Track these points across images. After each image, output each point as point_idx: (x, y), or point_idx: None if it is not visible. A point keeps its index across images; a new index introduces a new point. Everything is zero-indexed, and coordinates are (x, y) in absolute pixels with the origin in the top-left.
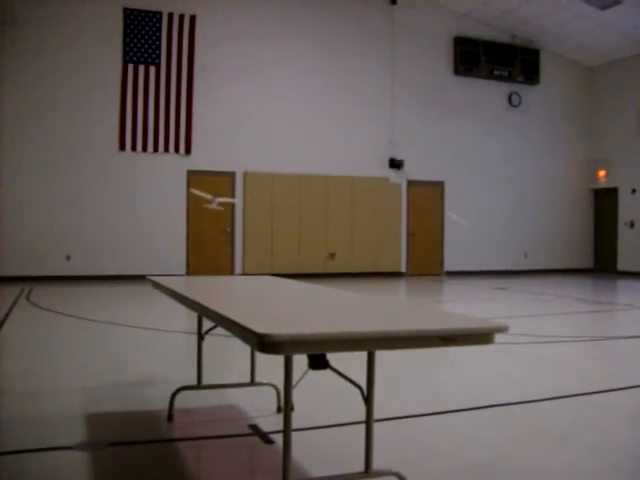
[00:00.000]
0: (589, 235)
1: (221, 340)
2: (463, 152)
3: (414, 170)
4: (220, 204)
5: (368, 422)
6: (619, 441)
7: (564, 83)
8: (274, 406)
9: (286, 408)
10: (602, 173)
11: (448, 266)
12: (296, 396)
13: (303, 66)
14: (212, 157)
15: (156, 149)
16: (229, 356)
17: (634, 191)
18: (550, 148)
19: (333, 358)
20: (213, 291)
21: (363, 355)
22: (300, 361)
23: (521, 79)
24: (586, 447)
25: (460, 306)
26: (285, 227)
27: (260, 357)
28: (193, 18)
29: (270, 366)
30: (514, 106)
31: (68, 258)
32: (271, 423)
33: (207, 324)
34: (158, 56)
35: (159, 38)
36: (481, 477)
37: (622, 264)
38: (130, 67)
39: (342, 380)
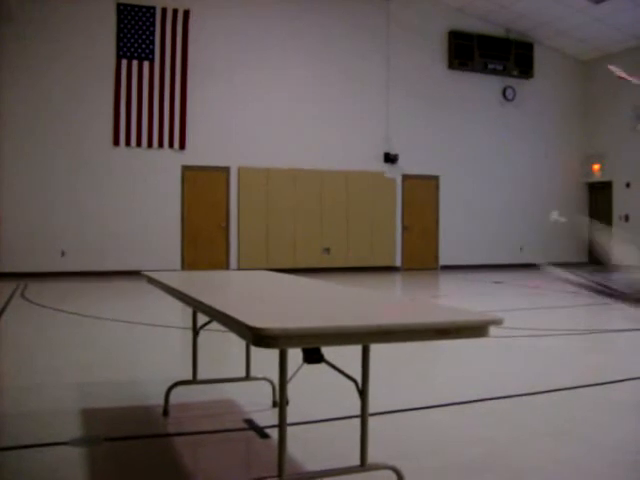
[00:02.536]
0: (584, 229)
1: (216, 335)
2: (458, 146)
3: (409, 164)
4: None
5: (363, 416)
6: (617, 435)
7: (559, 77)
8: (269, 400)
9: (281, 402)
10: (596, 167)
11: (443, 260)
12: (291, 390)
13: (298, 61)
14: (206, 152)
15: (150, 144)
16: (224, 351)
17: (628, 185)
18: (545, 142)
19: (328, 352)
20: (208, 286)
21: (358, 349)
22: (296, 355)
23: (516, 73)
24: (584, 442)
25: (456, 300)
26: (280, 222)
27: (255, 351)
28: (187, 13)
29: (265, 360)
30: (509, 100)
31: (63, 254)
32: (266, 417)
33: (202, 319)
34: (152, 51)
35: (153, 33)
36: (477, 472)
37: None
38: (124, 62)
39: (337, 374)
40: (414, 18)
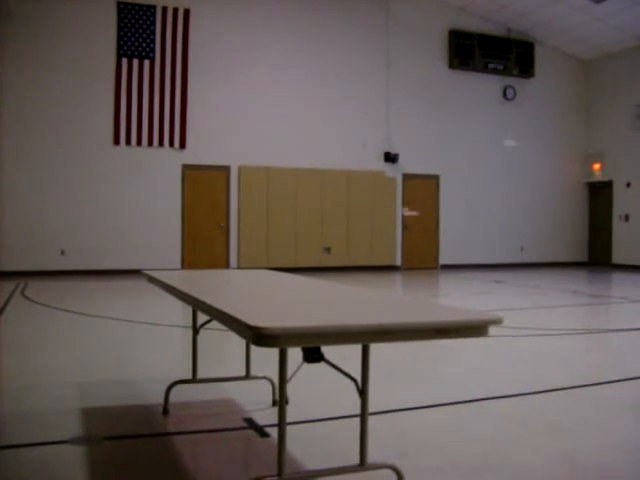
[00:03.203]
0: (584, 228)
1: (216, 334)
2: (458, 146)
3: (409, 164)
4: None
5: (363, 415)
6: (617, 435)
7: (559, 76)
8: (269, 399)
9: (281, 401)
10: (597, 166)
11: (443, 260)
12: (291, 389)
13: (298, 60)
14: (207, 151)
15: (151, 143)
16: (224, 350)
17: (629, 184)
18: (545, 142)
19: (328, 351)
20: (208, 285)
21: (358, 348)
22: (296, 354)
23: (516, 72)
24: (584, 441)
25: (456, 299)
26: (280, 221)
27: (255, 350)
28: (187, 12)
29: (265, 359)
30: (509, 100)
31: (63, 253)
32: (266, 416)
33: (202, 318)
34: (152, 50)
35: (153, 32)
36: (477, 471)
37: (617, 257)
38: (124, 61)
39: (337, 373)
40: (414, 17)
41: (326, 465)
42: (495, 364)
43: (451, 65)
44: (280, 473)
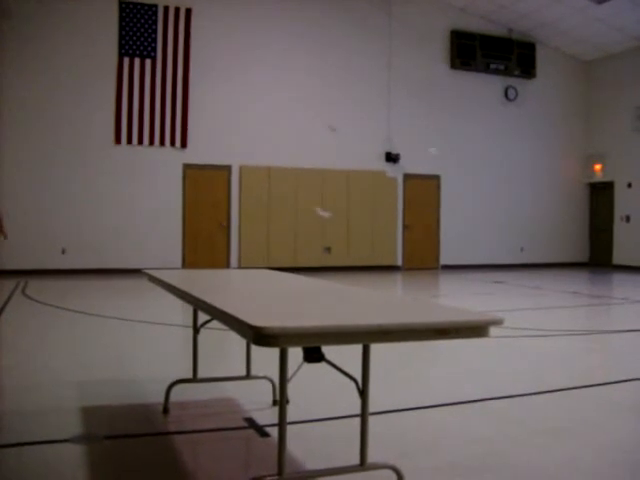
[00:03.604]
0: (585, 229)
1: (217, 333)
2: (459, 146)
3: (410, 164)
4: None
5: (363, 415)
6: (617, 435)
7: (560, 77)
8: (270, 399)
9: (281, 401)
10: (598, 167)
11: (444, 260)
12: (292, 389)
13: (299, 60)
14: (208, 151)
15: (152, 143)
16: (225, 349)
17: (630, 185)
18: (546, 142)
19: (329, 351)
20: (208, 284)
21: (358, 348)
22: (296, 354)
23: (517, 73)
24: (584, 442)
25: (456, 299)
26: (281, 221)
27: (256, 350)
28: (189, 11)
29: (266, 359)
30: (510, 100)
31: (63, 252)
32: (267, 416)
33: (203, 317)
34: (154, 49)
35: (155, 31)
36: (477, 472)
37: (617, 258)
38: (126, 60)
39: (338, 373)
40: (416, 17)
41: (326, 465)
42: (495, 365)
43: (452, 65)
44: (280, 473)
